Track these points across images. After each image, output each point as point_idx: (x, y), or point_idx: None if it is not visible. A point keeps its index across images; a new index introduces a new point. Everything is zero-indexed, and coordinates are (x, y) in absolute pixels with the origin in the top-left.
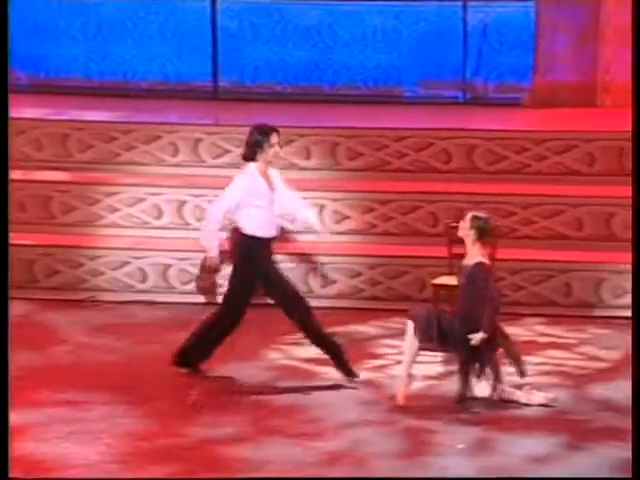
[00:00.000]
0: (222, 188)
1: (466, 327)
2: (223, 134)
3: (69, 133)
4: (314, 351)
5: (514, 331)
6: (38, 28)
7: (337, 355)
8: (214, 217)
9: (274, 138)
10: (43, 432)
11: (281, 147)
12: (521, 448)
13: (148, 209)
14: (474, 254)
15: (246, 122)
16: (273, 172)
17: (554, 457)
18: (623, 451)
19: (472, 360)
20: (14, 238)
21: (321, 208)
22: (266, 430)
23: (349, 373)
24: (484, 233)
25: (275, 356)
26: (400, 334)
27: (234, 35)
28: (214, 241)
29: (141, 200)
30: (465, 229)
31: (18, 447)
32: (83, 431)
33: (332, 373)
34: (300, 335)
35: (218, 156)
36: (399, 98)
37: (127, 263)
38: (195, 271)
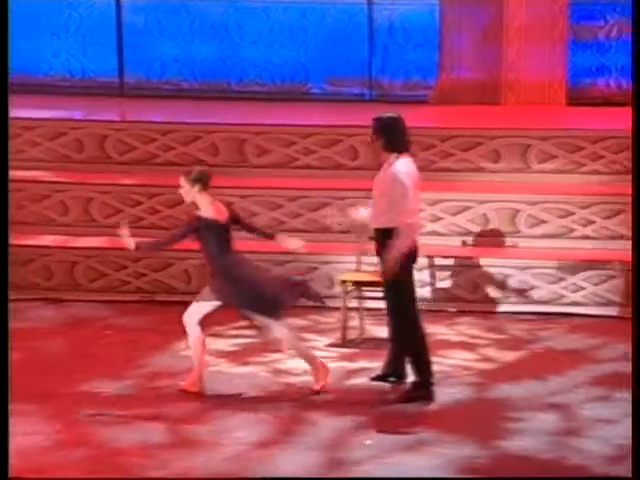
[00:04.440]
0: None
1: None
2: (129, 130)
3: None
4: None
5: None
6: None
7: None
8: None
9: None
10: None
11: None
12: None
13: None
14: (205, 206)
15: (152, 119)
16: None
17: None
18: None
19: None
20: None
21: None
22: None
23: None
24: (206, 181)
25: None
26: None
27: (140, 31)
28: None
29: (46, 197)
30: (189, 190)
31: None
32: None
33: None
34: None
35: (124, 152)
36: (306, 95)
37: None
38: None
